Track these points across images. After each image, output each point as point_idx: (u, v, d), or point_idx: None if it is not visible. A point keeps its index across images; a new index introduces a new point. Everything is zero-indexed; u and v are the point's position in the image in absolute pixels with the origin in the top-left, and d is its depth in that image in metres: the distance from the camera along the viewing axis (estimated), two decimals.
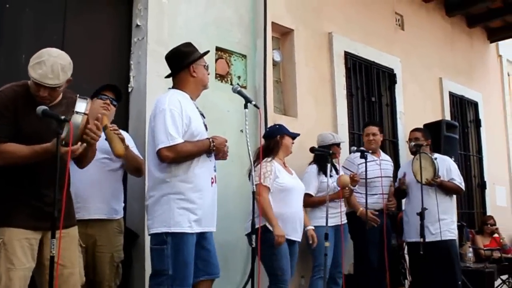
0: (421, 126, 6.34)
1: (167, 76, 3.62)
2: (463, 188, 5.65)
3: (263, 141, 4.53)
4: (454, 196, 5.67)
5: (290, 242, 4.32)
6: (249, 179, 4.28)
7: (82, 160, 3.10)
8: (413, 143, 5.51)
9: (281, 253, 4.19)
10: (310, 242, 4.61)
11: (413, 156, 5.51)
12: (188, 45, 3.62)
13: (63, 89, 2.94)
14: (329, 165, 4.74)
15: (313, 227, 4.67)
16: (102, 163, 3.57)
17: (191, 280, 3.35)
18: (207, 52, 3.69)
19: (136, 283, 4.27)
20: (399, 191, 5.68)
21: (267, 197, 4.23)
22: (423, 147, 5.43)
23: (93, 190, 3.50)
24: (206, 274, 3.49)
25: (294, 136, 4.61)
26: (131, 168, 3.76)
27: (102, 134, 3.43)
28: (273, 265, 4.21)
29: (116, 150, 3.46)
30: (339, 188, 4.88)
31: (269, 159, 4.38)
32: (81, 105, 2.78)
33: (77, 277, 3.01)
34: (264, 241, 4.04)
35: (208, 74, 3.64)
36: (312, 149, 4.59)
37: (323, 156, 4.80)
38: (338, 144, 5.15)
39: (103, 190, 3.57)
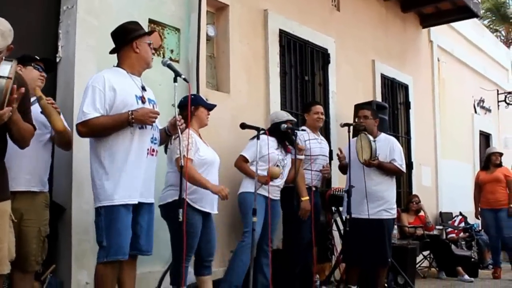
0: (353, 106, 6.49)
1: (111, 52, 3.67)
2: (403, 170, 5.70)
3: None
4: (394, 177, 5.69)
5: (205, 215, 4.27)
6: (165, 152, 4.25)
7: (18, 137, 2.98)
8: (342, 122, 5.57)
9: (193, 228, 4.09)
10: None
11: (346, 133, 5.59)
12: (134, 23, 3.75)
13: (3, 55, 2.81)
14: (268, 138, 4.74)
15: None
16: (36, 135, 3.43)
17: (127, 249, 3.40)
18: (152, 31, 3.84)
19: (63, 257, 4.20)
20: (342, 167, 5.77)
21: (191, 165, 4.13)
22: (368, 127, 5.54)
23: (24, 161, 3.38)
24: (135, 250, 3.51)
25: (209, 107, 4.49)
26: (63, 142, 3.66)
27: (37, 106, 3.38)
28: (180, 242, 4.08)
29: (57, 126, 3.44)
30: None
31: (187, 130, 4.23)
32: (5, 68, 2.65)
33: (4, 252, 2.91)
34: (174, 217, 4.01)
35: (153, 53, 3.71)
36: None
37: (280, 130, 4.99)
38: (292, 121, 5.19)
39: (34, 162, 3.47)
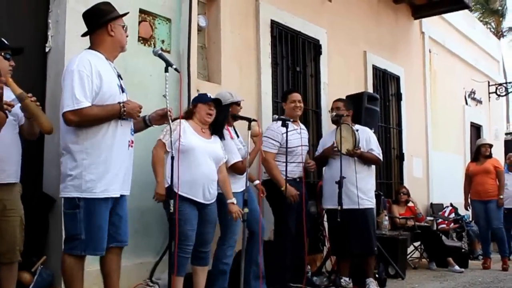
0: (344, 98, 6.47)
1: (84, 35, 3.52)
2: (381, 159, 5.80)
3: (184, 106, 4.50)
4: (373, 166, 5.80)
5: (201, 206, 4.23)
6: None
7: None
8: (334, 113, 5.62)
9: (184, 218, 4.06)
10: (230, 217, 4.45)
11: (335, 126, 5.62)
12: (107, 3, 3.53)
13: None
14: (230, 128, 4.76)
15: (233, 201, 4.46)
16: (12, 125, 3.40)
17: (104, 244, 3.33)
18: (127, 13, 3.62)
19: (53, 248, 4.18)
20: (320, 160, 5.78)
21: (161, 153, 4.16)
22: (344, 118, 5.53)
23: (6, 154, 3.36)
24: (116, 241, 3.46)
25: (208, 101, 4.41)
26: (32, 133, 3.56)
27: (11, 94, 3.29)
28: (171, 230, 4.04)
29: (45, 127, 3.36)
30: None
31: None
32: None
33: None
34: (167, 206, 4.00)
35: (127, 36, 3.57)
36: (233, 116, 4.59)
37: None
38: (238, 103, 4.94)
39: (13, 152, 3.44)
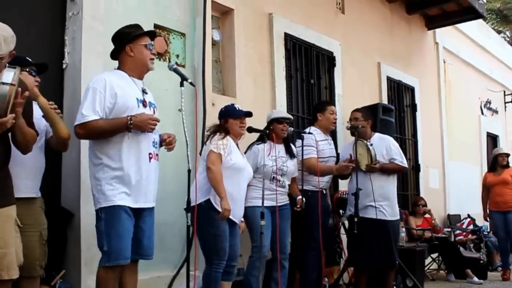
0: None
1: (112, 57, 3.67)
2: (406, 166, 5.66)
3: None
4: (396, 177, 5.66)
5: (231, 223, 4.29)
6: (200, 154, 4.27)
7: (22, 142, 2.99)
8: (348, 125, 5.59)
9: (225, 234, 4.15)
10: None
11: (353, 137, 5.58)
12: (132, 26, 3.69)
13: (5, 62, 2.83)
14: (265, 145, 4.72)
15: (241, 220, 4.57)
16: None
17: (128, 253, 3.37)
18: (144, 32, 3.68)
19: (72, 262, 4.20)
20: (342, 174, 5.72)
21: (220, 169, 4.15)
22: (360, 129, 5.47)
23: (24, 167, 3.36)
24: (136, 254, 3.50)
25: (240, 115, 4.45)
26: (61, 145, 3.64)
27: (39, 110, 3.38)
28: (217, 246, 4.15)
29: (62, 133, 3.46)
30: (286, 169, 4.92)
31: (224, 134, 4.30)
32: (8, 75, 2.68)
33: (12, 257, 2.92)
34: (205, 219, 4.07)
35: (153, 54, 3.67)
36: (249, 129, 4.59)
37: (262, 136, 4.80)
38: (280, 121, 5.00)
39: (33, 167, 3.47)
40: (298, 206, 4.94)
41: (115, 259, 3.32)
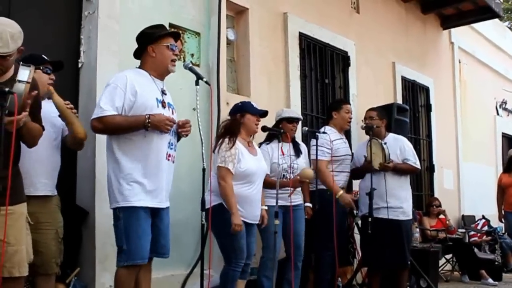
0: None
1: (135, 57, 3.67)
2: (419, 167, 5.63)
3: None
4: (408, 177, 5.66)
5: (248, 224, 4.26)
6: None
7: (28, 138, 3.01)
8: (363, 124, 5.57)
9: (241, 232, 4.14)
10: (260, 222, 4.48)
11: (366, 137, 5.58)
12: (155, 26, 3.70)
13: (14, 58, 2.85)
14: (279, 144, 4.71)
15: (266, 207, 4.54)
16: (49, 137, 3.46)
17: (146, 253, 3.39)
18: (170, 32, 3.70)
19: (87, 260, 4.23)
20: (356, 173, 5.70)
21: (230, 183, 4.13)
22: (374, 129, 5.45)
23: (40, 165, 3.41)
24: (154, 253, 3.52)
25: (258, 113, 4.43)
26: (77, 144, 3.66)
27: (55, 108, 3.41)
28: (233, 245, 4.15)
29: (78, 133, 3.47)
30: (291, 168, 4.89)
31: (232, 141, 4.23)
32: (24, 73, 2.70)
33: (23, 254, 2.93)
34: (222, 220, 4.06)
35: (176, 55, 3.66)
36: (263, 128, 4.59)
37: (273, 135, 4.79)
38: (290, 120, 5.00)
39: (50, 166, 3.51)
40: (306, 216, 4.98)
41: (133, 259, 3.34)
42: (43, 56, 3.59)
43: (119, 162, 3.39)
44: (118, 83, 3.40)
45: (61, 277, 3.83)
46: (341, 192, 5.15)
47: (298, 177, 4.63)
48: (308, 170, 4.73)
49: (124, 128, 3.39)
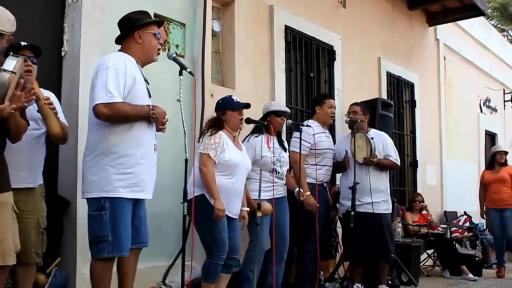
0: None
1: (116, 42, 3.55)
2: (399, 163, 5.77)
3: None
4: (388, 172, 5.77)
5: (229, 218, 4.24)
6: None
7: (14, 133, 2.98)
8: (348, 118, 5.60)
9: (222, 225, 4.12)
10: (241, 223, 4.46)
11: (350, 131, 5.61)
12: (140, 12, 3.59)
13: (3, 45, 2.83)
14: (262, 136, 4.72)
15: (247, 209, 4.50)
16: (30, 131, 3.36)
17: (129, 245, 3.35)
18: (157, 20, 3.64)
19: (68, 250, 4.21)
20: (337, 167, 5.74)
21: (212, 169, 4.10)
22: (358, 123, 5.49)
23: (19, 158, 3.33)
24: (136, 243, 3.48)
25: (238, 107, 4.38)
26: (59, 139, 3.59)
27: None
28: (214, 238, 4.12)
29: (53, 129, 3.40)
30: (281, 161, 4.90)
31: (215, 131, 4.23)
32: (11, 63, 2.67)
33: (8, 243, 2.91)
34: (204, 212, 4.04)
35: (161, 44, 3.61)
36: (247, 120, 4.57)
37: (259, 127, 4.79)
38: (278, 114, 4.98)
39: (30, 159, 3.45)
40: (297, 197, 4.94)
41: (119, 250, 3.27)
42: (21, 43, 3.47)
43: (109, 151, 3.26)
44: (118, 67, 3.24)
45: (42, 267, 3.80)
46: (308, 193, 5.12)
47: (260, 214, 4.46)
48: (267, 205, 4.61)
49: (131, 117, 3.28)
